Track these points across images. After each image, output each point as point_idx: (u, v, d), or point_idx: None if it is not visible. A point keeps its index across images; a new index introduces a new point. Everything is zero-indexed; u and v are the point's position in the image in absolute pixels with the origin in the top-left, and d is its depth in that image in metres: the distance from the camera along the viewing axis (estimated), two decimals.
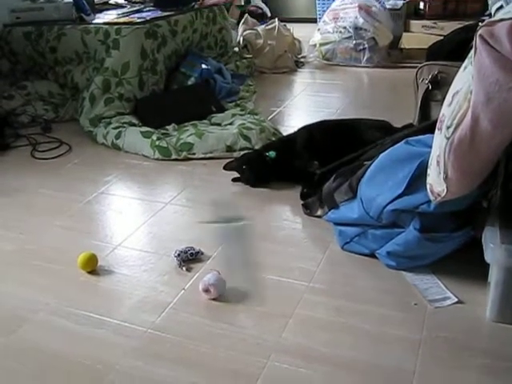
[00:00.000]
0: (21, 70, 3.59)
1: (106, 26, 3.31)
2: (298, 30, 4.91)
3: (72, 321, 1.62)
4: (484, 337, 1.52)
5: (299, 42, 4.84)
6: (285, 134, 2.86)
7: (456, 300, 1.63)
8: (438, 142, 1.50)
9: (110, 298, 1.73)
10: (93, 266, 1.86)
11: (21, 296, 1.75)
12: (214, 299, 1.68)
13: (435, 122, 1.57)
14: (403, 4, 4.77)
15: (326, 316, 1.60)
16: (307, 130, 2.56)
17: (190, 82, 3.48)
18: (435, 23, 4.47)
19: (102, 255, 1.93)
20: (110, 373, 1.42)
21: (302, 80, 4.30)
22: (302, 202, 2.20)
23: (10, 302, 1.72)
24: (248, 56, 4.41)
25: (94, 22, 3.46)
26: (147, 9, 3.80)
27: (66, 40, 3.37)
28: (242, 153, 2.65)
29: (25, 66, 3.58)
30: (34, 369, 1.45)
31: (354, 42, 4.47)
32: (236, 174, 2.47)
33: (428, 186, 1.59)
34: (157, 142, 2.80)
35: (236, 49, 4.48)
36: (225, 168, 2.50)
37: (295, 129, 2.65)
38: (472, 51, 1.35)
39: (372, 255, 1.85)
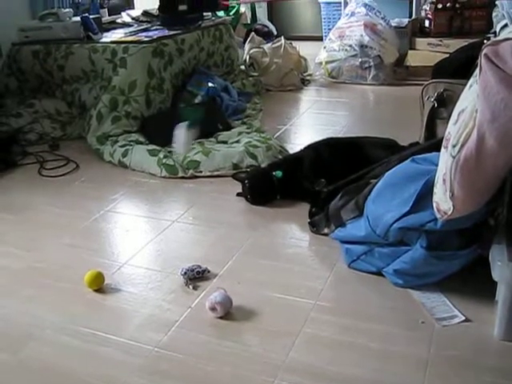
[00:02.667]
0: (29, 89, 3.63)
1: (114, 45, 3.35)
2: (303, 48, 4.93)
3: (78, 339, 1.62)
4: (492, 355, 1.50)
5: (305, 59, 4.86)
6: (291, 151, 2.86)
7: (463, 318, 1.62)
8: (444, 160, 1.50)
9: (116, 316, 1.73)
10: (99, 284, 1.86)
11: (28, 313, 1.75)
12: (220, 317, 1.67)
13: (441, 140, 1.57)
14: (408, 22, 4.79)
15: (332, 334, 1.60)
16: (313, 148, 2.57)
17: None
18: (441, 41, 4.48)
19: (109, 273, 1.93)
20: None
21: (308, 98, 4.32)
22: (308, 220, 2.20)
23: (18, 319, 1.73)
24: (254, 74, 4.43)
25: (101, 40, 3.50)
26: (154, 28, 3.83)
27: (74, 58, 3.41)
28: (252, 168, 2.69)
29: (33, 84, 3.61)
30: None
31: (360, 59, 4.49)
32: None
33: (434, 204, 1.59)
34: (163, 160, 2.81)
35: (242, 67, 4.50)
36: (232, 176, 2.57)
37: (301, 146, 2.66)
38: (477, 70, 1.35)
39: (379, 273, 1.85)
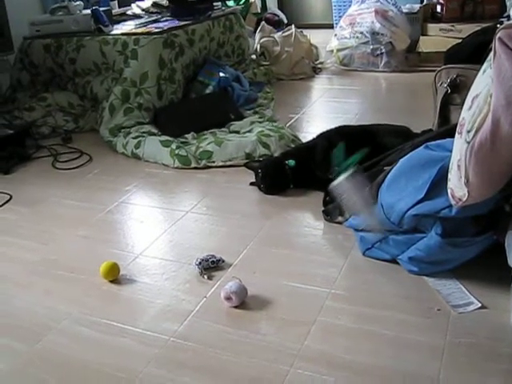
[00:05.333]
0: (41, 82, 3.64)
1: (124, 37, 3.34)
2: (314, 36, 4.91)
3: (95, 329, 1.63)
4: (509, 342, 1.49)
5: (316, 48, 4.84)
6: (304, 140, 2.85)
7: (480, 305, 1.61)
8: (459, 146, 1.49)
9: (132, 307, 1.74)
10: (115, 275, 1.87)
11: (44, 305, 1.76)
12: (235, 307, 1.68)
13: (455, 126, 1.56)
14: (420, 7, 4.75)
15: (348, 323, 1.60)
16: (326, 137, 2.55)
17: (208, 91, 3.49)
18: (453, 26, 4.44)
19: (124, 264, 1.94)
20: (133, 381, 1.43)
21: (319, 86, 4.30)
22: (322, 209, 2.20)
23: (34, 311, 1.74)
24: (265, 63, 4.42)
25: (112, 32, 3.49)
26: (164, 19, 3.82)
27: (85, 51, 3.41)
28: (265, 157, 2.69)
29: (45, 77, 3.62)
30: (58, 378, 1.46)
31: (372, 46, 4.46)
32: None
33: (449, 191, 1.58)
34: (176, 151, 2.81)
35: (253, 56, 4.49)
36: (245, 165, 2.58)
37: (314, 135, 2.65)
38: (491, 54, 1.34)
39: (393, 261, 1.84)
